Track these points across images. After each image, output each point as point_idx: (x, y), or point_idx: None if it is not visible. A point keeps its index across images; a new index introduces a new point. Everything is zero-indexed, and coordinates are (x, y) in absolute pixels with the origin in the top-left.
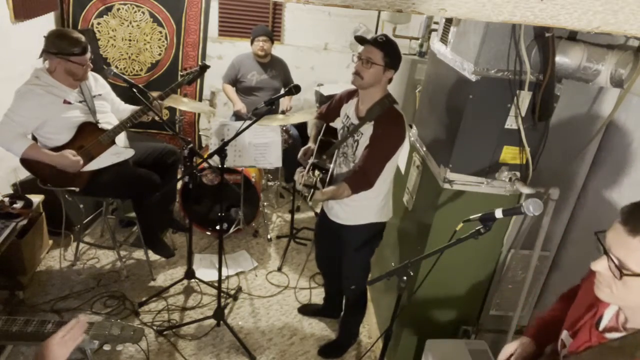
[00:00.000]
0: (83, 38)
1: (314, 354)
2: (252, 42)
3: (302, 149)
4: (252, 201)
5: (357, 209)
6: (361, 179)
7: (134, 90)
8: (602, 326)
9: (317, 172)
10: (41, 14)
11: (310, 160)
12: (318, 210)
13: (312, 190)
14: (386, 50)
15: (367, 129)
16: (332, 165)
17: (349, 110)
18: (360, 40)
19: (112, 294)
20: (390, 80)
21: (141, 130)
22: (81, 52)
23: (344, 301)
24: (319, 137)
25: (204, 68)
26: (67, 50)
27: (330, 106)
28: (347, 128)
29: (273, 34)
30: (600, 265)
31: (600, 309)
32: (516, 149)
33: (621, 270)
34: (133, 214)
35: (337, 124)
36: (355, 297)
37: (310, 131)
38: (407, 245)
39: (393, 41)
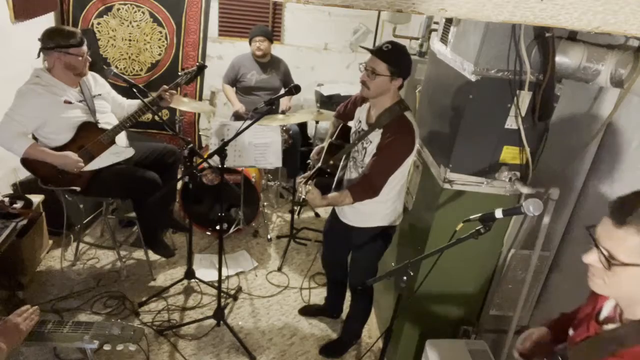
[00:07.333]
0: (79, 31)
1: (314, 354)
2: (250, 42)
3: (315, 148)
4: (252, 201)
5: (366, 212)
6: (365, 188)
7: (134, 90)
8: (601, 317)
9: (307, 187)
10: (41, 14)
11: (318, 165)
12: (318, 211)
13: (299, 207)
14: (391, 61)
15: (376, 137)
16: (339, 170)
17: (361, 114)
18: (367, 49)
19: (112, 294)
20: (400, 87)
21: (141, 130)
22: (78, 43)
23: (350, 301)
24: (332, 139)
25: (202, 68)
26: (65, 42)
27: (346, 107)
28: (358, 133)
29: (272, 34)
30: (591, 258)
31: (600, 302)
32: (516, 149)
33: (609, 261)
34: (133, 214)
35: (352, 124)
36: (362, 297)
37: (328, 129)
38: (407, 245)
39: (400, 49)
